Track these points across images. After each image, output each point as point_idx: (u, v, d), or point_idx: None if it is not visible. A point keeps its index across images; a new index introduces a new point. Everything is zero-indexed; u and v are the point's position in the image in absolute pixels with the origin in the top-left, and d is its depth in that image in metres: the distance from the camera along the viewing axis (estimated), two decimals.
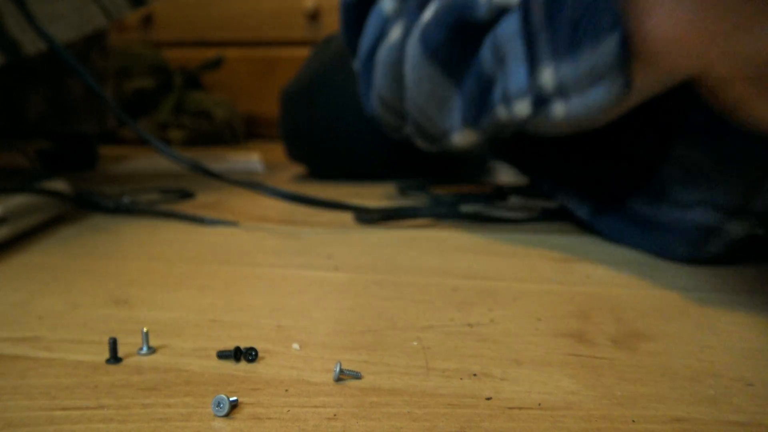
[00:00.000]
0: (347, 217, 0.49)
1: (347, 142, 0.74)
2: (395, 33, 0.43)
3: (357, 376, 0.22)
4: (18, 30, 0.51)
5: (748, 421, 0.19)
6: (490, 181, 0.72)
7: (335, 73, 0.74)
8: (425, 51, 0.39)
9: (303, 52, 0.94)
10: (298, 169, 0.84)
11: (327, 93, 0.74)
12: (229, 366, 0.23)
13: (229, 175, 0.47)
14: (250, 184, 0.46)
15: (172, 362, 0.23)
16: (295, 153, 0.80)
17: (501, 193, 0.52)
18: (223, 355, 0.23)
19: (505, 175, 0.80)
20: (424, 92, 0.41)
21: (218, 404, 0.19)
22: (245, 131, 1.34)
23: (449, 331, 0.26)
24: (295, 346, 0.25)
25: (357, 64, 0.49)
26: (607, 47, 0.29)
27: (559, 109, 0.33)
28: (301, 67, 0.80)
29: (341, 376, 0.22)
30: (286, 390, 0.21)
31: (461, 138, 0.41)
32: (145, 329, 0.24)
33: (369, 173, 0.76)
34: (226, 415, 0.19)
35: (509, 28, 0.34)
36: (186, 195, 0.60)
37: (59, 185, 0.49)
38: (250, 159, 0.98)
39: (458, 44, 0.37)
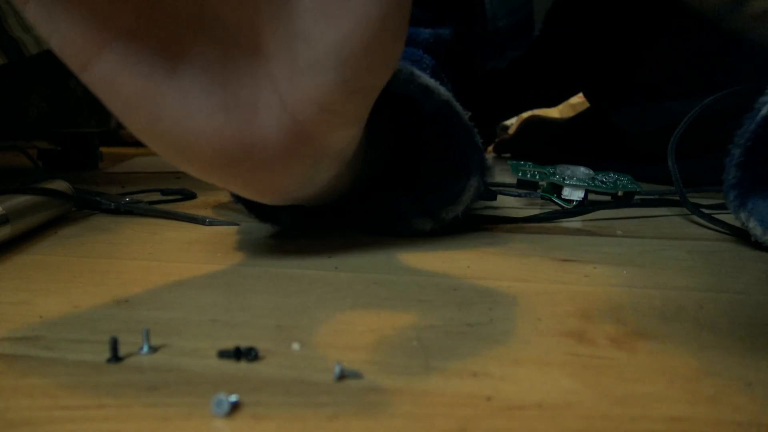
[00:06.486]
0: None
1: None
2: None
3: (357, 375, 0.22)
4: (20, 29, 0.51)
5: (747, 421, 0.19)
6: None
7: None
8: None
9: None
10: None
11: None
12: (230, 365, 0.23)
13: None
14: None
15: (173, 362, 0.23)
16: None
17: (491, 193, 0.52)
18: (223, 354, 0.23)
19: (498, 174, 0.80)
20: None
21: (218, 404, 0.19)
22: None
23: (449, 331, 0.26)
24: (296, 345, 0.25)
25: None
26: None
27: None
28: None
29: (341, 376, 0.22)
30: (286, 390, 0.21)
31: None
32: (146, 329, 0.24)
33: None
34: (226, 415, 0.19)
35: None
36: (188, 196, 0.61)
37: (60, 185, 0.49)
38: None
39: None
